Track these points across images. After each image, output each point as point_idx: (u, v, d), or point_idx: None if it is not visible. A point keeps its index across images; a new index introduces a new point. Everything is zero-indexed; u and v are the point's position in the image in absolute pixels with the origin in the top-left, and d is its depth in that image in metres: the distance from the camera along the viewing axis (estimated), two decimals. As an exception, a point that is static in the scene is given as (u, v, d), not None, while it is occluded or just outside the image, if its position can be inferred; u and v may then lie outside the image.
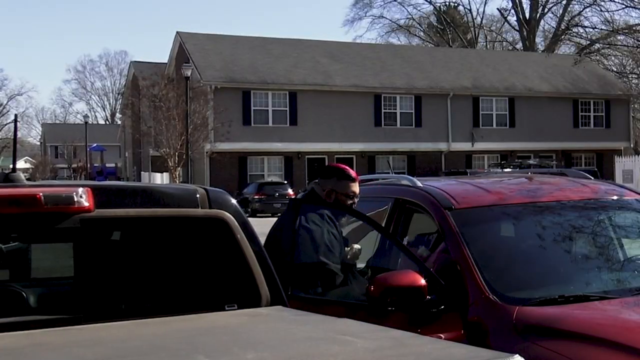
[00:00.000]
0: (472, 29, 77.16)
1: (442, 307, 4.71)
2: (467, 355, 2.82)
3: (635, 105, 59.65)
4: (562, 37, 67.24)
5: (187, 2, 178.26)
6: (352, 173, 5.83)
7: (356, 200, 5.78)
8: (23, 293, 3.74)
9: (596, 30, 56.99)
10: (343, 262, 5.40)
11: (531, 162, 32.93)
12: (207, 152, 43.04)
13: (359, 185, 5.89)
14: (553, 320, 4.27)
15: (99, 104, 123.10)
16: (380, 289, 4.65)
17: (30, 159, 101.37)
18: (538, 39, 71.52)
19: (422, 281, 4.63)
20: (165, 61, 52.91)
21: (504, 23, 76.64)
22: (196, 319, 3.51)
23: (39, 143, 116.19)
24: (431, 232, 5.61)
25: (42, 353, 2.96)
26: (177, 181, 39.86)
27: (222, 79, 43.77)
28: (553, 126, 50.20)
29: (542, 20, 70.67)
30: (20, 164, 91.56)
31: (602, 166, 48.09)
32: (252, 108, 44.47)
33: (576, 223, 5.49)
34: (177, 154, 40.40)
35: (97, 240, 3.69)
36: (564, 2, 66.38)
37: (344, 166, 5.97)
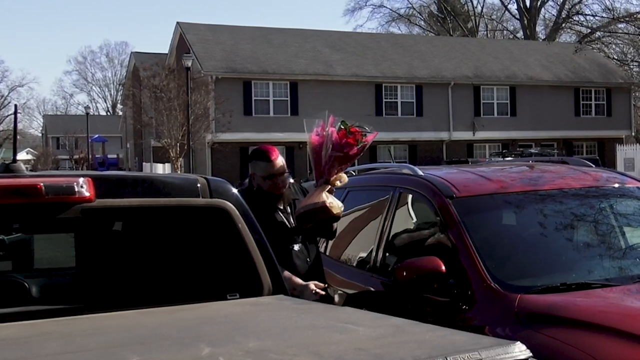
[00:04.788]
0: (472, 17, 77.03)
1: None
2: (468, 342, 2.82)
3: (637, 94, 59.51)
4: (563, 25, 67.11)
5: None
6: (271, 153, 5.52)
7: (279, 179, 5.47)
8: (25, 283, 3.74)
9: (597, 18, 56.94)
10: None
11: (532, 150, 32.91)
12: (208, 143, 43.01)
13: (362, 174, 5.91)
14: (555, 308, 4.28)
15: (100, 95, 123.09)
16: (410, 274, 4.84)
17: (32, 151, 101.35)
18: (539, 28, 71.42)
19: (443, 267, 4.79)
20: (166, 52, 52.83)
21: (504, 12, 76.60)
22: (198, 308, 3.52)
23: (40, 134, 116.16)
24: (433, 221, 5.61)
25: (45, 343, 2.96)
26: (179, 172, 39.82)
27: (223, 70, 43.70)
28: (554, 115, 50.13)
29: (542, 9, 70.58)
30: (22, 155, 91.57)
31: (603, 154, 48.02)
32: (253, 98, 44.42)
33: (578, 211, 5.49)
34: (178, 144, 40.38)
35: (99, 230, 3.70)
36: (564, -10, 66.28)
37: (265, 147, 5.66)
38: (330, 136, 5.26)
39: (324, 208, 5.24)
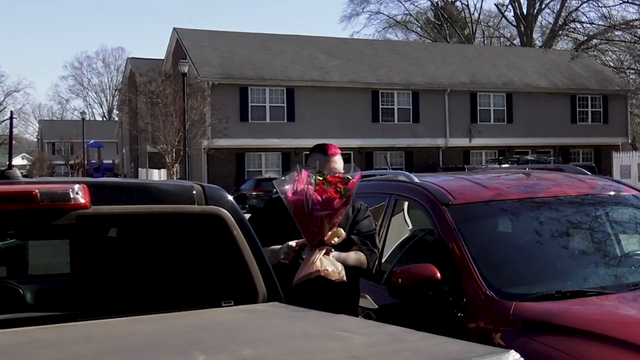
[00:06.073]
0: (469, 24, 77.12)
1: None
2: (462, 350, 2.82)
3: (633, 101, 59.63)
4: (560, 32, 67.26)
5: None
6: (329, 148, 5.21)
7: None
8: (20, 290, 3.74)
9: (593, 25, 57.10)
10: None
11: (529, 157, 32.98)
12: (204, 149, 43.02)
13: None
14: (550, 315, 4.28)
15: (96, 101, 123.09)
16: (406, 281, 4.81)
17: (28, 156, 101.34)
18: (535, 35, 71.59)
19: (438, 274, 4.77)
20: (163, 57, 52.86)
21: (501, 19, 76.69)
22: (193, 316, 3.51)
23: (36, 140, 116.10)
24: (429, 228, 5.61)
25: (39, 350, 2.95)
26: (175, 178, 39.81)
27: (220, 75, 43.72)
28: (551, 122, 50.20)
29: (539, 16, 70.68)
30: (18, 160, 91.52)
31: (599, 162, 48.11)
32: (250, 104, 44.43)
33: (573, 219, 5.49)
34: (174, 150, 40.36)
35: (94, 237, 3.69)
36: (561, -2, 66.44)
37: (328, 143, 5.37)
38: (308, 195, 4.62)
39: (320, 279, 4.67)
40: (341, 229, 4.78)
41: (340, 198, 4.64)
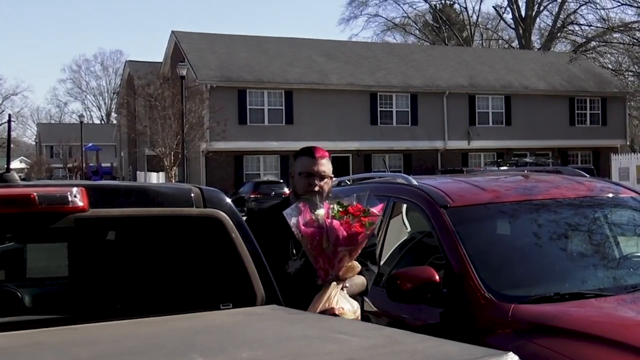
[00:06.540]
0: (468, 27, 77.19)
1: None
2: (461, 353, 2.81)
3: (631, 103, 59.71)
4: (558, 35, 67.34)
5: (182, 1, 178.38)
6: (316, 151, 4.89)
7: (318, 182, 4.77)
8: (18, 293, 3.73)
9: (592, 28, 57.12)
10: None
11: (527, 160, 32.98)
12: (203, 152, 43.01)
13: (356, 184, 5.69)
14: (549, 318, 4.28)
15: (95, 104, 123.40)
16: (404, 284, 4.79)
17: (26, 159, 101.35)
18: (534, 37, 71.69)
19: (437, 276, 4.77)
20: (161, 60, 52.87)
21: (499, 21, 76.80)
22: (191, 318, 3.50)
23: (34, 143, 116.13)
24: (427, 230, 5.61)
25: (38, 353, 2.95)
26: (173, 180, 39.79)
27: (218, 78, 43.73)
28: (549, 124, 50.24)
29: (537, 18, 70.77)
30: (16, 164, 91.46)
31: (598, 164, 48.10)
32: (248, 107, 44.44)
33: (572, 221, 5.49)
34: (172, 153, 40.36)
35: (92, 240, 3.69)
36: (559, 0, 66.49)
37: (316, 146, 5.03)
38: (333, 230, 4.25)
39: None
40: (356, 262, 4.42)
41: (365, 232, 4.30)
